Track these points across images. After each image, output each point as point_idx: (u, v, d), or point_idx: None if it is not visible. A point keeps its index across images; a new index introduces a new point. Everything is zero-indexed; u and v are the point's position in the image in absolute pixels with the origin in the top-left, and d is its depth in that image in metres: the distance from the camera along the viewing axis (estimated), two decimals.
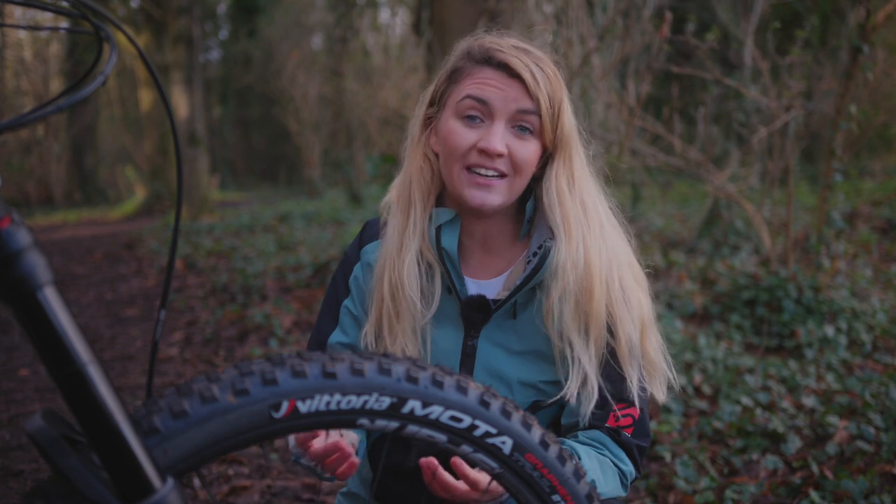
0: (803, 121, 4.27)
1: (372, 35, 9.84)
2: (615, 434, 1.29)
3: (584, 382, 1.25)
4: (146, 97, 13.11)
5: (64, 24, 0.87)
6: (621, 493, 1.29)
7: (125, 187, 16.38)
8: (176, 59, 10.93)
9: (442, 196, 1.36)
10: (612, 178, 1.41)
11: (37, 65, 15.60)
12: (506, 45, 1.28)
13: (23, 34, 15.21)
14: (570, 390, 1.25)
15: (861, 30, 3.59)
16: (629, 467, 1.29)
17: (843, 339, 3.61)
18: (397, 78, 8.10)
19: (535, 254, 1.31)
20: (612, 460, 1.28)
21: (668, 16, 3.90)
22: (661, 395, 1.33)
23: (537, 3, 4.18)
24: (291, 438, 1.22)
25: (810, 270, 4.04)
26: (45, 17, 11.73)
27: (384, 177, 6.34)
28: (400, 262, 1.30)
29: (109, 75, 0.73)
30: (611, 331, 1.27)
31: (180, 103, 10.88)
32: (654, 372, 1.32)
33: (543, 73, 1.25)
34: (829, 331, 3.63)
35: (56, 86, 15.63)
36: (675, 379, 1.35)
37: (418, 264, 1.30)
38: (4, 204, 0.66)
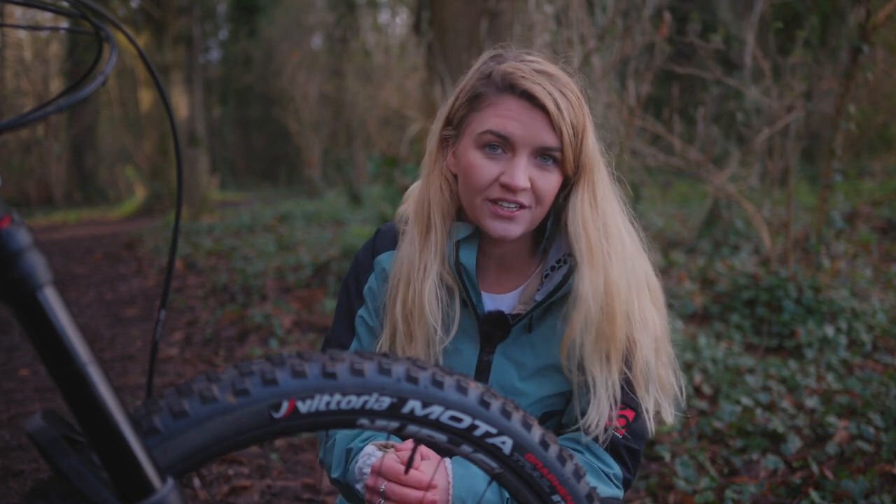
0: (803, 121, 4.27)
1: (372, 35, 9.84)
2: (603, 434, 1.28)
3: (603, 411, 1.24)
4: (146, 97, 13.11)
5: (64, 24, 0.87)
6: (616, 494, 1.28)
7: (125, 187, 16.38)
8: (176, 59, 10.93)
9: (461, 211, 1.34)
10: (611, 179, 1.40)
11: (37, 65, 15.60)
12: (528, 70, 1.22)
13: (23, 34, 15.22)
14: (591, 420, 1.24)
15: (861, 30, 3.59)
16: (614, 469, 1.28)
17: (843, 339, 3.61)
18: (398, 78, 8.11)
19: (553, 268, 1.30)
20: (592, 462, 1.27)
21: (668, 16, 3.91)
22: (669, 417, 1.31)
23: (537, 3, 4.18)
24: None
25: (810, 270, 4.04)
26: (45, 17, 11.73)
27: (385, 177, 6.34)
28: (419, 286, 1.27)
29: (109, 75, 0.73)
30: (627, 356, 1.26)
31: (180, 103, 10.88)
32: (664, 392, 1.30)
33: (567, 101, 1.21)
34: (829, 331, 3.63)
35: (56, 86, 15.63)
36: (682, 393, 1.33)
37: (438, 288, 1.28)
38: (4, 204, 0.66)
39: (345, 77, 11.92)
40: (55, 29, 0.82)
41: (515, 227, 1.24)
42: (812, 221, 4.38)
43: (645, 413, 1.28)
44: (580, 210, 1.25)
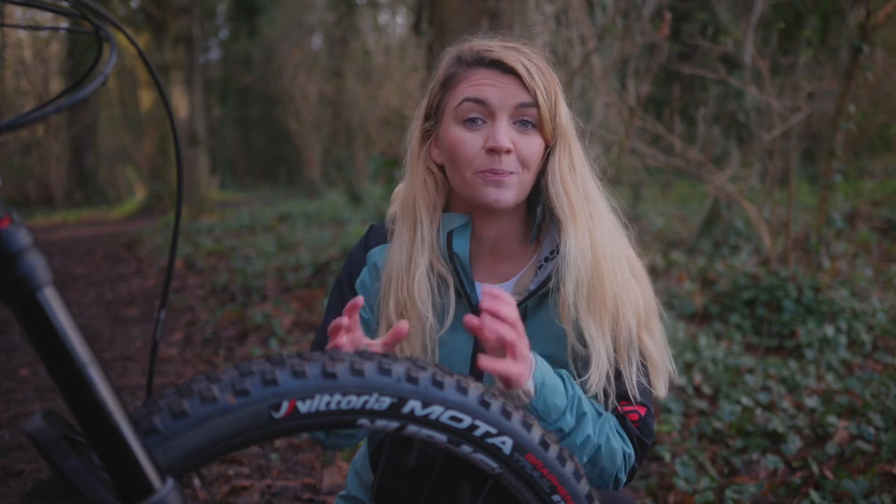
0: (804, 121, 4.28)
1: (373, 35, 9.83)
2: (622, 420, 1.30)
3: (603, 372, 1.24)
4: (146, 97, 13.11)
5: (64, 24, 0.87)
6: (622, 475, 1.29)
7: (125, 187, 16.39)
8: (176, 59, 10.93)
9: (449, 204, 1.36)
10: (612, 178, 1.41)
11: (37, 65, 15.61)
12: (494, 45, 1.28)
13: (23, 34, 15.22)
14: (592, 381, 1.23)
15: (861, 30, 3.59)
16: (630, 450, 1.29)
17: (843, 339, 3.61)
18: (398, 78, 8.10)
19: (546, 259, 1.31)
20: (616, 435, 1.28)
21: (668, 16, 3.91)
22: (662, 391, 1.33)
23: (537, 3, 4.18)
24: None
25: (810, 270, 4.04)
26: (45, 17, 11.72)
27: (384, 177, 6.35)
28: (409, 279, 1.29)
29: (109, 75, 0.73)
30: (614, 321, 1.27)
31: (180, 103, 10.88)
32: (653, 368, 1.31)
33: (536, 66, 1.26)
34: (829, 331, 3.63)
35: (56, 86, 15.63)
36: (674, 372, 1.35)
37: (429, 279, 1.29)
38: (4, 204, 0.66)
39: (345, 77, 11.91)
40: (55, 29, 0.82)
41: (507, 193, 1.25)
42: (812, 221, 4.38)
43: (639, 390, 1.29)
44: (559, 172, 1.28)
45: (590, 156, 1.36)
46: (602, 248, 1.26)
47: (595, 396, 1.27)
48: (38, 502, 0.71)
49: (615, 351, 1.27)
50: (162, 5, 11.02)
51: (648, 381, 1.31)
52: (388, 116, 8.38)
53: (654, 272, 4.90)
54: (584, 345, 1.27)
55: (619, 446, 1.26)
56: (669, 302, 4.30)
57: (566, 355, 1.30)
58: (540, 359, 1.19)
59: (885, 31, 4.10)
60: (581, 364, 1.29)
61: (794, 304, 3.86)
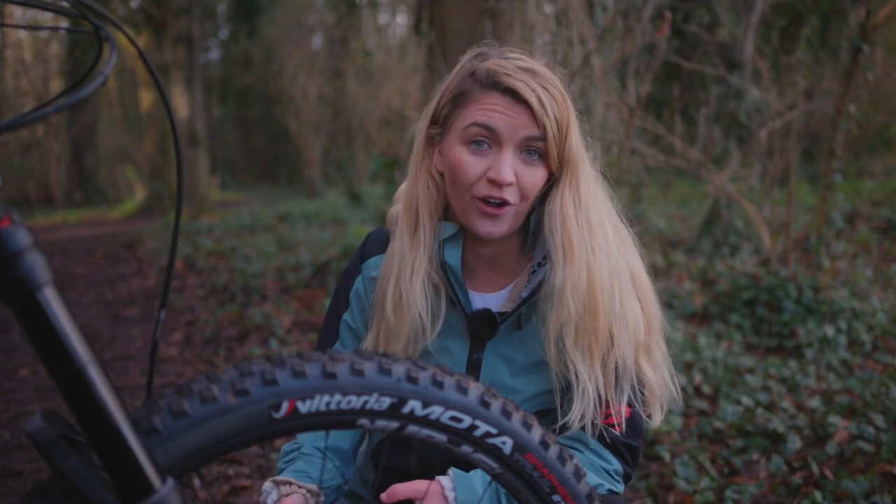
0: (804, 121, 4.28)
1: (373, 35, 9.83)
2: (601, 433, 1.27)
3: (588, 406, 1.23)
4: (146, 97, 13.11)
5: (64, 24, 0.87)
6: (615, 488, 1.28)
7: (125, 187, 16.40)
8: (176, 59, 10.94)
9: (447, 209, 1.34)
10: (612, 179, 1.39)
11: (37, 65, 15.62)
12: (511, 67, 1.23)
13: (23, 34, 15.22)
14: (574, 416, 1.23)
15: (861, 30, 3.59)
16: (614, 465, 1.28)
17: (843, 339, 3.61)
18: (399, 78, 8.11)
19: (539, 264, 1.30)
20: (594, 460, 1.27)
21: (668, 16, 3.91)
22: (657, 419, 1.31)
23: (537, 3, 4.18)
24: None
25: (810, 270, 4.05)
26: (45, 17, 11.73)
27: (384, 177, 6.34)
28: (409, 283, 1.28)
29: (109, 75, 0.73)
30: (605, 353, 1.25)
31: (180, 103, 10.88)
32: (653, 395, 1.29)
33: (550, 97, 1.22)
34: (829, 331, 3.63)
35: (56, 86, 15.64)
36: (678, 396, 1.32)
37: (425, 284, 1.28)
38: (4, 204, 0.65)
39: (345, 77, 11.92)
40: (55, 29, 0.82)
41: (500, 226, 1.24)
42: (812, 221, 4.38)
43: (639, 408, 1.28)
44: (560, 206, 1.25)
45: (601, 179, 1.32)
46: (600, 284, 1.22)
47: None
48: (38, 502, 0.71)
49: (605, 384, 1.24)
50: (162, 5, 11.02)
51: (643, 402, 1.29)
52: (388, 117, 8.38)
53: (654, 272, 4.89)
54: (567, 370, 1.25)
55: (596, 482, 1.24)
56: (669, 302, 4.30)
57: (552, 370, 1.29)
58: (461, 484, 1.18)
59: (885, 31, 4.10)
60: (557, 384, 1.28)
61: (794, 304, 3.86)
